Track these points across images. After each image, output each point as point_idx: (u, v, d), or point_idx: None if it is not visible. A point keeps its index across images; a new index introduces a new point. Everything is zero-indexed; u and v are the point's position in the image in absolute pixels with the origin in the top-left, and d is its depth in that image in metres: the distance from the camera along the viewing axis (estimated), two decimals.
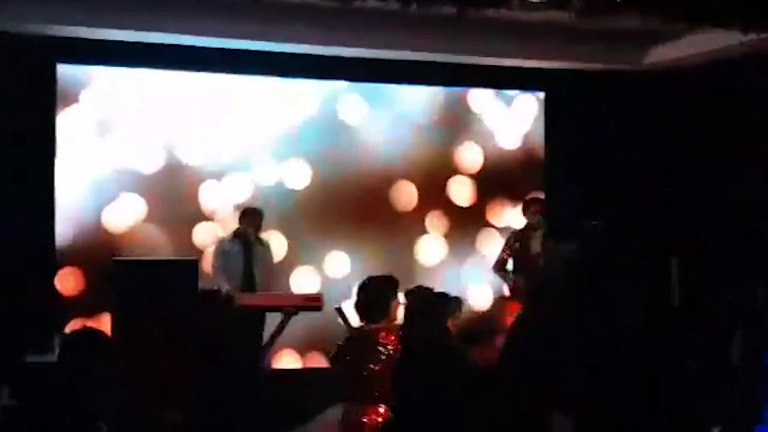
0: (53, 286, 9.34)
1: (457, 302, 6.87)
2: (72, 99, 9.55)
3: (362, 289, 5.61)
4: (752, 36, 8.41)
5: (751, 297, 7.24)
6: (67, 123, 9.51)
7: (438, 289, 6.34)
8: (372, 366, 5.34)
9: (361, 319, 5.62)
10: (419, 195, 10.69)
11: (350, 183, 10.40)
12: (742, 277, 8.71)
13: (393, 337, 5.34)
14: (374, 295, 5.55)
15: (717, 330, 7.68)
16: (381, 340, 5.36)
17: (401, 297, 5.78)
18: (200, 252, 9.66)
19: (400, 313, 5.79)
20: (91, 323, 8.69)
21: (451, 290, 6.96)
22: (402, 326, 5.64)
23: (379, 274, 5.86)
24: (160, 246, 9.69)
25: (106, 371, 4.42)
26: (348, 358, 5.52)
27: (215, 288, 8.68)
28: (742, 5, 7.77)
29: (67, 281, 9.45)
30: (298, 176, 10.28)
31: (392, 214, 10.59)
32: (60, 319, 9.10)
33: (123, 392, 6.75)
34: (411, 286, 6.10)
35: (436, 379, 4.59)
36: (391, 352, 5.32)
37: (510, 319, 7.98)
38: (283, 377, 9.49)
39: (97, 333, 4.55)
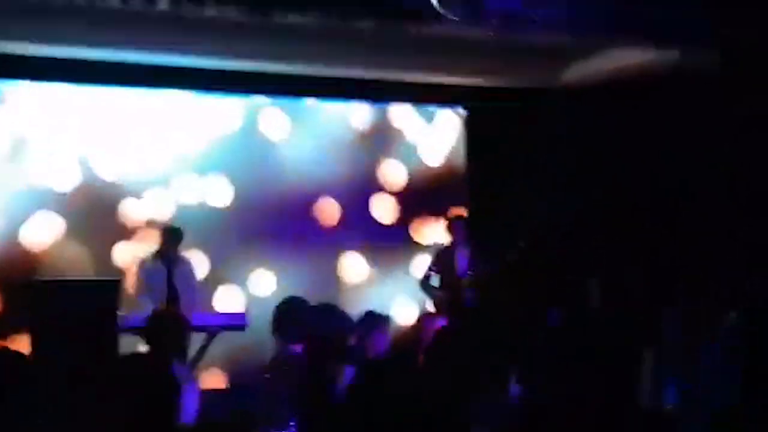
0: None
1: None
2: None
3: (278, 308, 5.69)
4: (668, 50, 8.56)
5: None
6: None
7: (364, 306, 6.33)
8: None
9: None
10: (342, 212, 10.66)
11: (272, 200, 10.33)
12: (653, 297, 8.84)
13: None
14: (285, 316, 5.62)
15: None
16: None
17: None
18: (121, 271, 9.51)
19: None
20: (7, 344, 8.54)
21: (376, 307, 6.90)
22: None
23: (301, 291, 5.86)
24: (79, 265, 9.51)
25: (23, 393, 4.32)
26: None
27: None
28: (657, 21, 7.92)
29: None
30: (220, 193, 10.19)
31: (315, 230, 10.54)
32: None
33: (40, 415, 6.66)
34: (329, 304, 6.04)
35: None
36: None
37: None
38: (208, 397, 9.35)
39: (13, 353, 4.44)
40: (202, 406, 6.76)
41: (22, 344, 8.14)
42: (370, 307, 6.70)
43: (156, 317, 5.92)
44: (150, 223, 9.78)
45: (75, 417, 6.98)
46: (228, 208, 10.22)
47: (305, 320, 5.57)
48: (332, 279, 10.53)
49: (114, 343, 7.65)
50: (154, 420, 4.34)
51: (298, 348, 5.51)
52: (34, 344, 7.62)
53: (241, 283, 10.18)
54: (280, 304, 5.78)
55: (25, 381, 6.56)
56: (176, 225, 9.26)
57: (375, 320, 6.44)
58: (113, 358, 7.47)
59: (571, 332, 8.71)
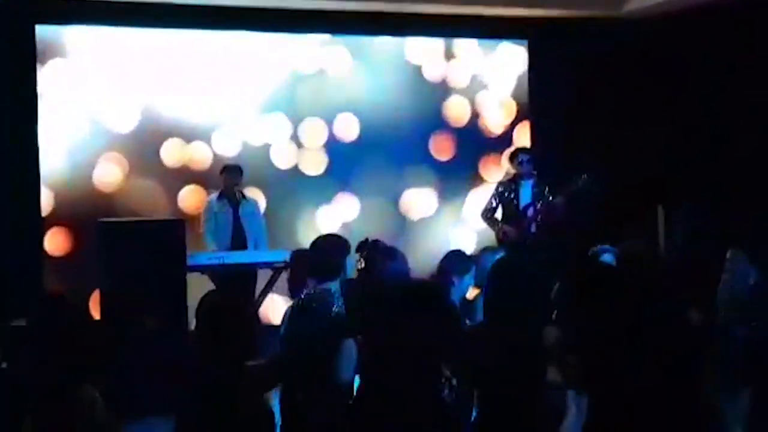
0: (41, 247, 9.32)
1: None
2: (52, 60, 9.46)
3: (312, 247, 5.38)
4: None
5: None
6: (47, 84, 9.43)
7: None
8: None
9: (312, 279, 5.32)
10: (407, 148, 10.67)
11: (336, 138, 10.39)
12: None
13: None
14: (324, 253, 5.29)
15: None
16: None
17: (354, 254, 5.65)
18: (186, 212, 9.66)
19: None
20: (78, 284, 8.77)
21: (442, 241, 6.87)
22: (360, 279, 5.55)
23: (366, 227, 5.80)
24: (146, 205, 9.66)
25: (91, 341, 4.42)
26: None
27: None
28: None
29: (55, 242, 9.42)
30: (283, 132, 10.25)
31: (380, 167, 10.57)
32: (47, 281, 9.11)
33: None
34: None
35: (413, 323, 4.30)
36: None
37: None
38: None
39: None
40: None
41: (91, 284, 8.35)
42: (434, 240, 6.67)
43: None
44: (215, 164, 9.83)
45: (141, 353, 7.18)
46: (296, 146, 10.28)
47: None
48: (395, 215, 10.57)
49: (181, 282, 7.80)
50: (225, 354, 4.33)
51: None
52: (103, 283, 7.83)
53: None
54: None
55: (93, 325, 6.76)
56: (235, 163, 9.31)
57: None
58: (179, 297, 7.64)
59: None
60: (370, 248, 5.77)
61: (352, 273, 5.50)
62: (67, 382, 4.26)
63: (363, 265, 5.71)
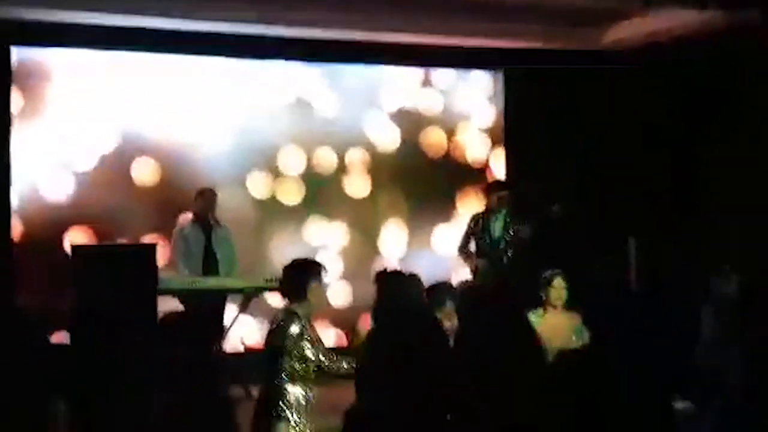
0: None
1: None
2: (27, 82, 9.45)
3: (283, 270, 5.77)
4: (710, 12, 8.45)
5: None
6: (22, 107, 9.42)
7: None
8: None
9: (283, 299, 5.77)
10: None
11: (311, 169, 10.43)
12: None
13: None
14: (292, 275, 5.68)
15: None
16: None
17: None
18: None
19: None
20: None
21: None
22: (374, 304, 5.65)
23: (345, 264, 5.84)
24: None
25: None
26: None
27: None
28: None
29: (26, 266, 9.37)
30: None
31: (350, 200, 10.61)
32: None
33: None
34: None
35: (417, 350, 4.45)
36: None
37: None
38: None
39: None
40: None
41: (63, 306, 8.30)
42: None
43: None
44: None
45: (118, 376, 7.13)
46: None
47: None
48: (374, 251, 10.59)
49: (152, 306, 7.78)
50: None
51: None
52: (75, 306, 7.79)
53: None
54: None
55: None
56: (210, 187, 9.29)
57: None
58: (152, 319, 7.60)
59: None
60: (386, 277, 5.80)
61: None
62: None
63: (377, 294, 5.74)
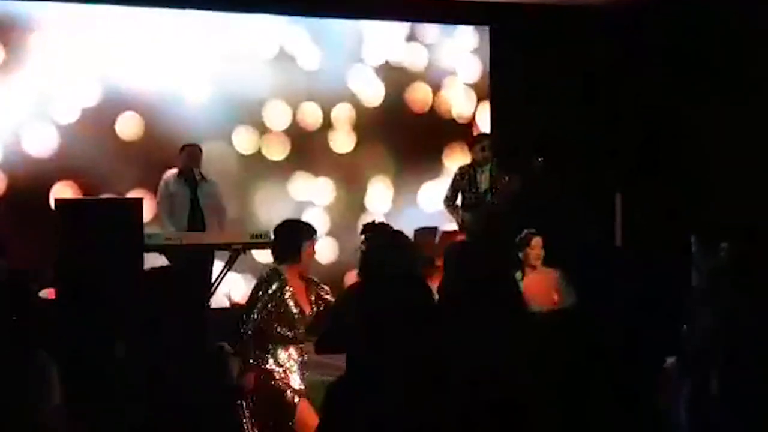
0: None
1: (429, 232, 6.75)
2: (8, 36, 9.36)
3: (275, 231, 5.84)
4: None
5: None
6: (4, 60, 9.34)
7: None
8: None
9: (274, 260, 5.82)
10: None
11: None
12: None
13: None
14: (285, 237, 5.73)
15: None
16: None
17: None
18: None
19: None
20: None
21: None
22: (361, 262, 5.68)
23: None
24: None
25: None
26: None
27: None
28: None
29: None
30: None
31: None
32: None
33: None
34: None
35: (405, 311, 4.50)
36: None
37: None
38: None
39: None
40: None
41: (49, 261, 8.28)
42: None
43: None
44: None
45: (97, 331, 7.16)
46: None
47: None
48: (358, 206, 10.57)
49: (138, 262, 7.77)
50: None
51: None
52: (62, 260, 7.76)
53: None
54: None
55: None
56: (195, 143, 9.24)
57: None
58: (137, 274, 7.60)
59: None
60: (373, 231, 5.82)
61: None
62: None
63: (364, 247, 5.75)
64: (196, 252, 8.59)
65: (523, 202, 9.06)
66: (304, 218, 7.39)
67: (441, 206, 9.61)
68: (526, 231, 7.45)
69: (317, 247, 5.92)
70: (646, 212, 9.86)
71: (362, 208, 10.58)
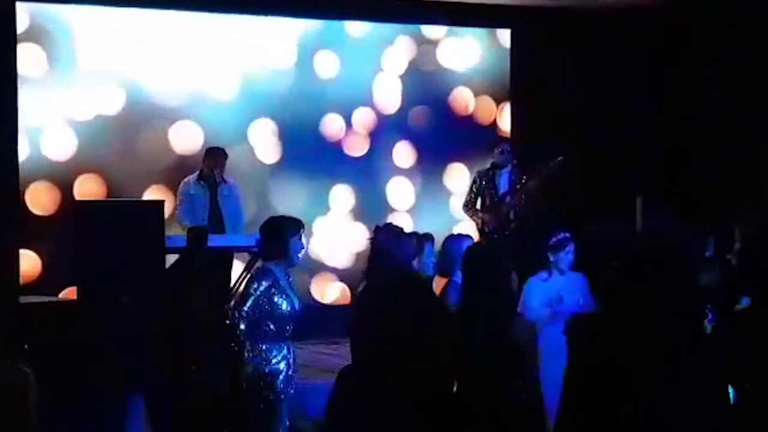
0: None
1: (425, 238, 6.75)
2: (32, 38, 9.39)
3: (260, 229, 5.83)
4: None
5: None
6: (27, 63, 9.37)
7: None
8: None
9: (261, 259, 5.86)
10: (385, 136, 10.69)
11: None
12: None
13: None
14: (270, 234, 5.70)
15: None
16: None
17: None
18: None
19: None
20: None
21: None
22: (367, 261, 5.71)
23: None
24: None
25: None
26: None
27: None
28: None
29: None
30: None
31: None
32: None
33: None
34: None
35: (404, 313, 4.57)
36: None
37: None
38: None
39: None
40: None
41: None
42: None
43: None
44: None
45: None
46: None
47: None
48: (381, 202, 10.59)
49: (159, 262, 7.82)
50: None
51: None
52: (82, 261, 7.82)
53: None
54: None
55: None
56: (219, 146, 9.28)
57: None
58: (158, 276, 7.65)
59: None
60: (378, 231, 5.84)
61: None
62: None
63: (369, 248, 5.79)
64: (215, 254, 8.64)
65: (542, 204, 9.05)
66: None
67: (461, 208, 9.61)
68: (562, 234, 7.21)
69: (305, 240, 5.86)
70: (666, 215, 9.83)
71: (388, 208, 10.59)
